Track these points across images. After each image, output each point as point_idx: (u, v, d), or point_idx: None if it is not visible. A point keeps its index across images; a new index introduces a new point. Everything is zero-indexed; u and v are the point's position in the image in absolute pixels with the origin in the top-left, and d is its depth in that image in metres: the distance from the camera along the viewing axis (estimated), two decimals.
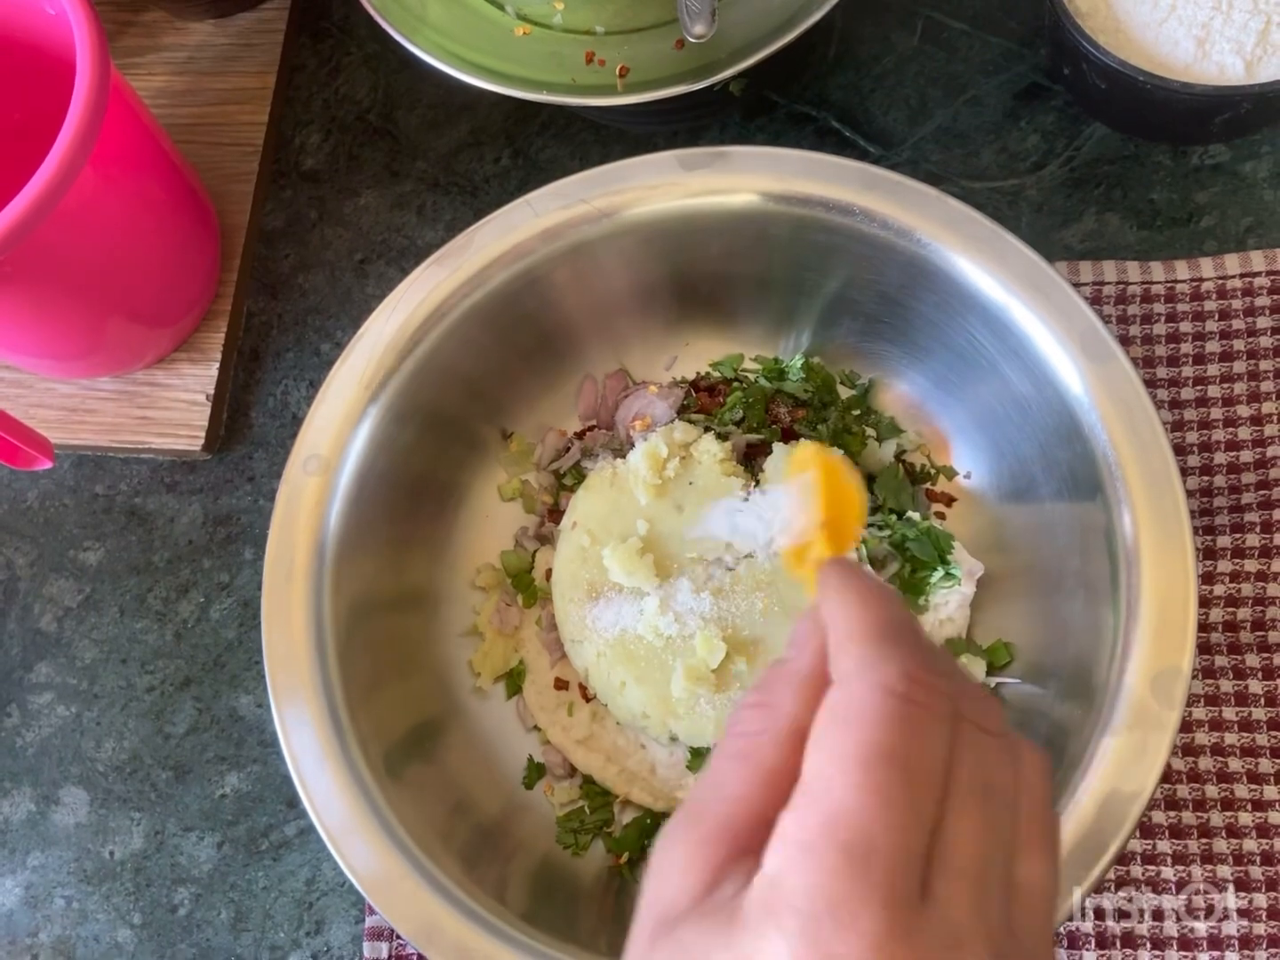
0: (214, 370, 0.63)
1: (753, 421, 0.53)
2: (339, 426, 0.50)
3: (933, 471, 0.54)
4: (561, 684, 0.54)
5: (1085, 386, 0.46)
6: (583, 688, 0.53)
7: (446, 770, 0.51)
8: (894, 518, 0.52)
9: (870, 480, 0.54)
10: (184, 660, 0.61)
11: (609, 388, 0.57)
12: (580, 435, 0.57)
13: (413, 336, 0.50)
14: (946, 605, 0.51)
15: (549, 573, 0.54)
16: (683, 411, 0.55)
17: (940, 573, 0.51)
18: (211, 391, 0.63)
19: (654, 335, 0.56)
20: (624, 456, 0.54)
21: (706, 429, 0.53)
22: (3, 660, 0.62)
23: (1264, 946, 0.48)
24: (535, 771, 0.53)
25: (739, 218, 0.51)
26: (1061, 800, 0.42)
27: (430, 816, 0.47)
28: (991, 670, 0.51)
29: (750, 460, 0.53)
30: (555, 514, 0.56)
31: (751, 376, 0.56)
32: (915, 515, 0.52)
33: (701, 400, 0.55)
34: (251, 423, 0.64)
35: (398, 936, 0.53)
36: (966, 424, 0.53)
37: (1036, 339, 0.47)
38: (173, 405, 0.63)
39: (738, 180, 0.50)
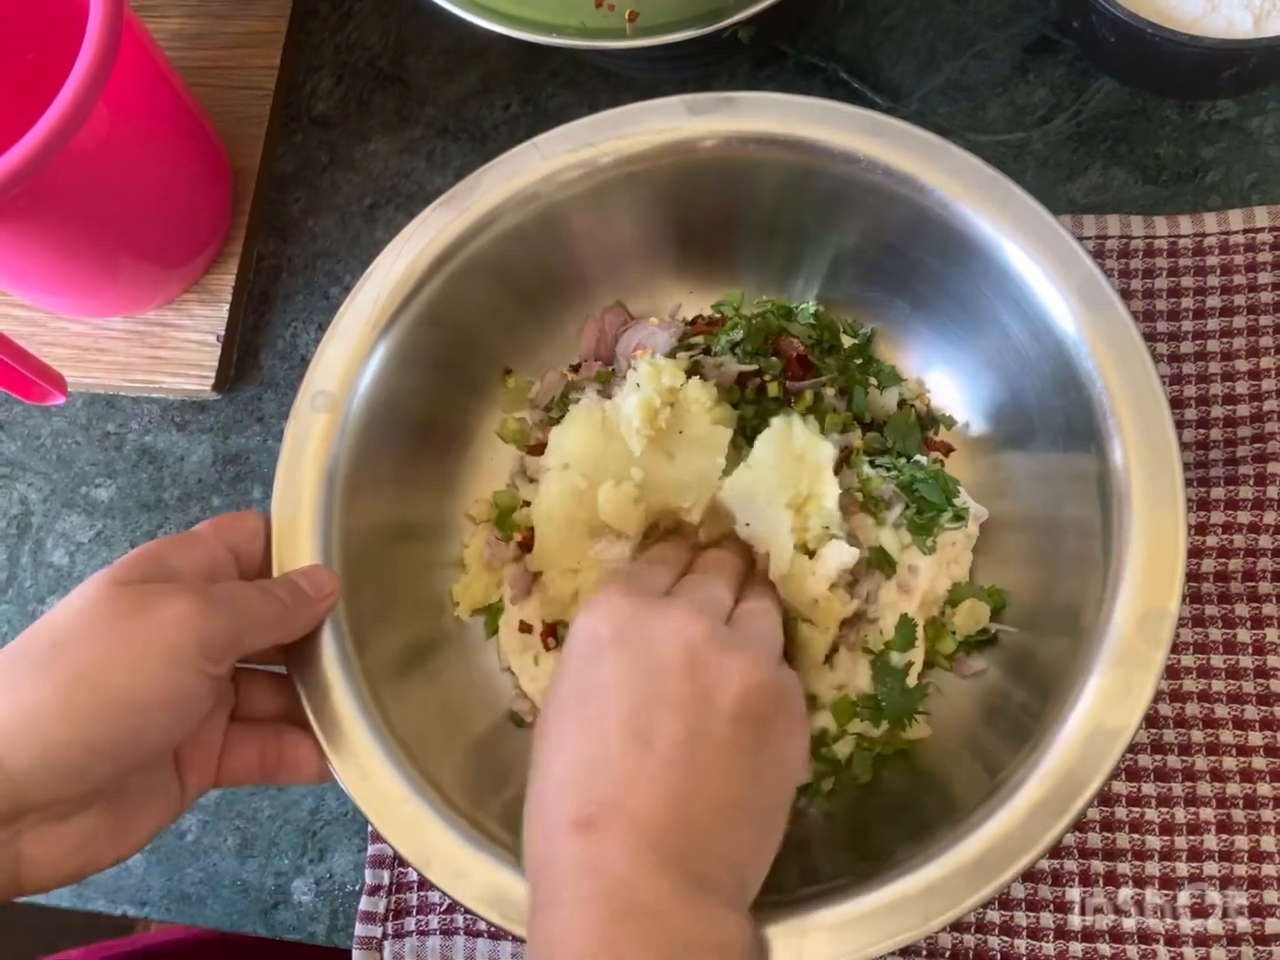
0: (224, 311, 0.64)
1: (749, 345, 0.53)
2: (347, 365, 0.50)
3: (935, 420, 0.55)
4: (525, 627, 0.54)
5: (1082, 334, 0.46)
6: (545, 636, 0.53)
7: (444, 693, 0.52)
8: (902, 460, 0.53)
9: (872, 425, 0.54)
10: None
11: (608, 322, 0.57)
12: (575, 369, 0.57)
13: (420, 278, 0.51)
14: (954, 546, 0.52)
15: (527, 503, 0.54)
16: (683, 343, 0.55)
17: (950, 513, 0.51)
18: (222, 332, 0.64)
19: (659, 281, 0.57)
20: (609, 397, 0.53)
21: (693, 370, 0.53)
22: (17, 593, 0.64)
23: (1244, 887, 0.50)
24: (516, 719, 0.53)
25: (745, 164, 0.51)
26: (1047, 737, 0.43)
27: (428, 733, 0.48)
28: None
29: (743, 385, 0.53)
30: (538, 449, 0.56)
31: (751, 316, 0.56)
32: (923, 459, 0.52)
33: (699, 326, 0.55)
34: (261, 364, 0.65)
35: (399, 864, 0.55)
36: (966, 372, 0.54)
37: (1035, 287, 0.47)
38: (183, 345, 0.64)
39: (744, 125, 0.50)
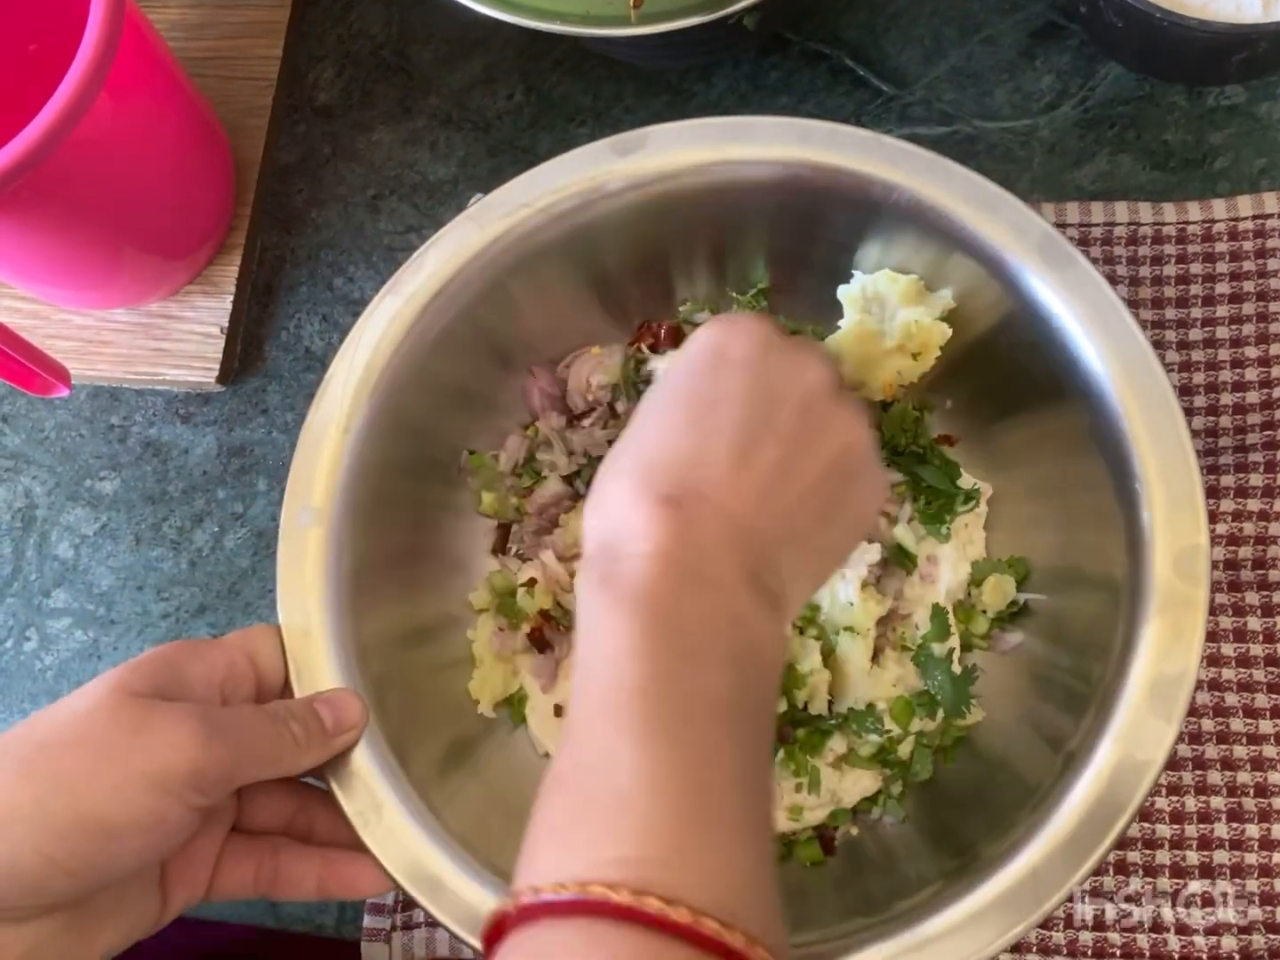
0: (228, 303, 0.64)
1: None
2: (327, 474, 0.48)
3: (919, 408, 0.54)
4: (560, 711, 0.52)
5: (1052, 293, 0.46)
6: None
7: (493, 785, 0.50)
8: (900, 457, 0.52)
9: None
10: (199, 588, 0.62)
11: (545, 381, 0.56)
12: (533, 425, 0.56)
13: (379, 375, 0.49)
14: (966, 528, 0.52)
15: (533, 581, 0.53)
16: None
17: (960, 496, 0.51)
18: (225, 324, 0.63)
19: (602, 322, 0.56)
20: (572, 452, 0.54)
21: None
22: (22, 587, 0.63)
23: (1255, 875, 0.49)
24: None
25: (677, 195, 0.50)
26: (1110, 697, 0.42)
27: (486, 828, 0.46)
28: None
29: None
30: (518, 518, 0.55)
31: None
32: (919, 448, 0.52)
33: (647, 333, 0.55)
34: (265, 356, 0.64)
35: (402, 909, 0.53)
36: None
37: (997, 253, 0.47)
38: (187, 337, 0.64)
39: (671, 159, 0.49)
